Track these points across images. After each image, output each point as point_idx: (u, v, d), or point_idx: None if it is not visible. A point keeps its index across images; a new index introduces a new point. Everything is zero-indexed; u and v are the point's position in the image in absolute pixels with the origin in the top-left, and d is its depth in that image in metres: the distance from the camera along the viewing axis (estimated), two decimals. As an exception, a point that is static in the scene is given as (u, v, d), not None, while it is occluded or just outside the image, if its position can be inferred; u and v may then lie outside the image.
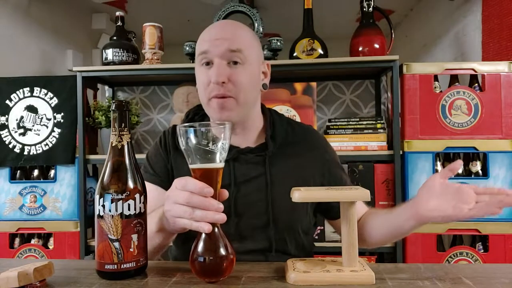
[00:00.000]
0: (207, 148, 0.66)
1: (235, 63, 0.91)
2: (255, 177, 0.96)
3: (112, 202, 0.68)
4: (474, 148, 1.63)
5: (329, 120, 1.80)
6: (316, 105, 1.82)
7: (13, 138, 1.82)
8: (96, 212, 0.69)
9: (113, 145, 0.71)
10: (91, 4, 2.70)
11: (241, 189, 0.94)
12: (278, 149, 0.98)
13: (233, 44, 0.90)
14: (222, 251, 0.67)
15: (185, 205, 0.68)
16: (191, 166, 0.69)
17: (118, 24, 1.87)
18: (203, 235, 0.68)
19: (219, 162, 0.68)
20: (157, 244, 0.81)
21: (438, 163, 1.70)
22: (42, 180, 1.86)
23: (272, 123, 1.02)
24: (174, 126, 1.01)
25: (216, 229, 0.69)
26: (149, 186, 0.95)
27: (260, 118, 1.03)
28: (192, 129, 0.66)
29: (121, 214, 0.68)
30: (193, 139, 0.66)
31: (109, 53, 1.80)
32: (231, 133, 0.92)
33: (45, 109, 1.83)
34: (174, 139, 1.01)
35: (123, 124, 0.71)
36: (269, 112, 1.05)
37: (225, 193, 0.72)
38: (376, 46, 1.75)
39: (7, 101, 1.83)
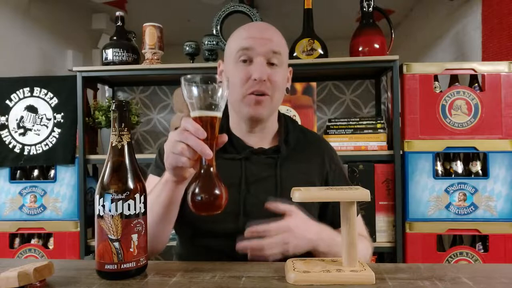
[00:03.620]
0: (207, 98, 0.71)
1: (272, 64, 0.96)
2: (265, 178, 0.98)
3: (112, 202, 0.68)
4: (474, 148, 1.63)
5: (329, 120, 1.80)
6: (316, 105, 1.82)
7: (13, 138, 1.82)
8: (96, 212, 0.69)
9: (113, 145, 0.71)
10: (91, 4, 2.71)
11: (250, 189, 0.96)
12: (289, 153, 1.02)
13: (275, 46, 0.95)
14: (217, 190, 0.71)
15: (182, 142, 0.71)
16: (192, 114, 0.73)
17: (118, 24, 1.87)
18: (200, 175, 0.72)
19: (216, 111, 0.72)
20: (164, 200, 0.82)
21: (438, 163, 1.70)
22: (42, 180, 1.86)
23: (286, 128, 1.06)
24: None
25: (211, 169, 0.72)
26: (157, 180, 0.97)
27: (276, 122, 1.08)
28: (194, 82, 0.70)
29: (121, 214, 0.68)
30: (195, 90, 0.71)
31: (109, 53, 1.80)
32: (252, 128, 1.00)
33: (45, 109, 1.83)
34: None
35: (123, 124, 0.71)
36: (284, 118, 1.10)
37: (225, 137, 0.75)
38: (376, 46, 1.75)
39: (7, 101, 1.83)
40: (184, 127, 0.71)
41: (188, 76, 0.71)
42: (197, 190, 0.70)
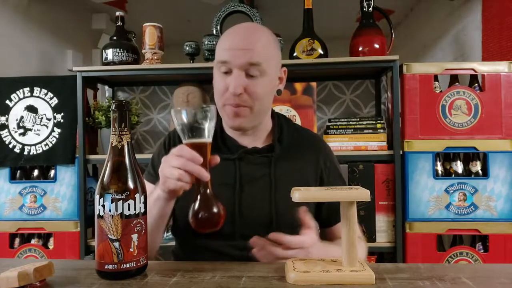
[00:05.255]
0: (197, 126, 0.76)
1: (253, 75, 0.93)
2: (259, 178, 0.98)
3: (112, 202, 0.68)
4: (474, 148, 1.63)
5: (329, 120, 1.80)
6: (316, 105, 1.82)
7: (13, 138, 1.82)
8: (96, 212, 0.69)
9: (113, 145, 0.72)
10: (91, 4, 2.71)
11: (245, 188, 0.96)
12: (283, 152, 1.01)
13: (253, 57, 0.91)
14: (215, 208, 0.77)
15: (179, 168, 0.75)
16: (184, 142, 0.78)
17: (118, 24, 1.87)
18: (199, 196, 0.77)
19: (207, 138, 0.78)
20: (156, 214, 0.85)
21: (438, 163, 1.70)
22: (42, 180, 1.86)
23: (280, 127, 1.05)
24: None
25: (208, 190, 0.78)
26: (150, 187, 0.97)
27: (270, 122, 1.07)
28: (184, 110, 0.76)
29: (121, 214, 0.69)
30: (185, 119, 0.76)
31: (109, 53, 1.80)
32: (243, 134, 1.01)
33: (45, 109, 1.82)
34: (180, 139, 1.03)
35: (123, 124, 0.72)
36: (278, 117, 1.08)
37: (217, 159, 0.80)
38: (376, 46, 1.75)
39: (7, 101, 1.83)
40: (180, 153, 0.75)
41: (178, 108, 0.76)
42: (196, 210, 0.76)
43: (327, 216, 1.04)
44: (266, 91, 0.96)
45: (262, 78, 0.93)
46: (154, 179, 1.00)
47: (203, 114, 0.76)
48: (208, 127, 0.77)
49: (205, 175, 0.75)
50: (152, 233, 0.86)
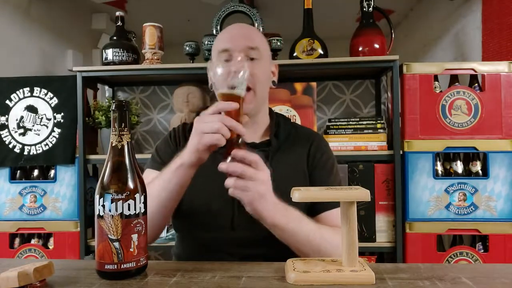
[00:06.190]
0: (231, 81, 0.82)
1: (252, 59, 1.01)
2: None
3: (112, 202, 0.68)
4: (474, 148, 1.63)
5: (329, 120, 1.80)
6: (316, 105, 1.82)
7: (13, 138, 1.82)
8: (96, 212, 0.69)
9: (113, 145, 0.72)
10: (91, 4, 2.71)
11: None
12: (280, 146, 1.05)
13: (251, 41, 1.01)
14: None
15: (218, 122, 0.78)
16: (219, 92, 0.83)
17: (118, 24, 1.87)
18: (233, 150, 0.80)
19: (241, 91, 0.82)
20: (175, 184, 0.86)
21: (438, 163, 1.70)
22: (42, 180, 1.86)
23: (277, 124, 1.10)
24: (184, 124, 1.13)
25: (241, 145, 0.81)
26: (155, 174, 0.99)
27: (268, 117, 1.12)
28: (221, 65, 0.84)
29: (121, 214, 0.69)
30: (220, 72, 0.83)
31: (109, 53, 1.80)
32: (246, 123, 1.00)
33: (45, 109, 1.82)
34: (184, 133, 1.09)
35: (123, 124, 0.72)
36: (276, 115, 1.14)
37: (247, 117, 0.88)
38: (376, 46, 1.75)
39: (7, 101, 1.83)
40: (216, 108, 0.80)
41: (214, 61, 0.83)
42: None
43: (312, 204, 1.04)
44: (265, 74, 1.04)
45: (261, 61, 1.01)
46: (159, 166, 1.02)
47: (237, 67, 0.82)
48: (241, 80, 0.81)
49: (242, 129, 0.80)
50: (166, 208, 0.89)
